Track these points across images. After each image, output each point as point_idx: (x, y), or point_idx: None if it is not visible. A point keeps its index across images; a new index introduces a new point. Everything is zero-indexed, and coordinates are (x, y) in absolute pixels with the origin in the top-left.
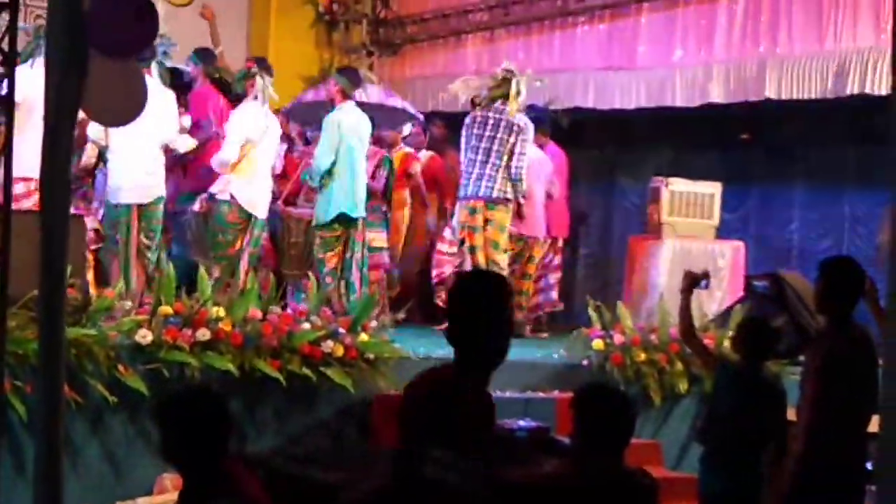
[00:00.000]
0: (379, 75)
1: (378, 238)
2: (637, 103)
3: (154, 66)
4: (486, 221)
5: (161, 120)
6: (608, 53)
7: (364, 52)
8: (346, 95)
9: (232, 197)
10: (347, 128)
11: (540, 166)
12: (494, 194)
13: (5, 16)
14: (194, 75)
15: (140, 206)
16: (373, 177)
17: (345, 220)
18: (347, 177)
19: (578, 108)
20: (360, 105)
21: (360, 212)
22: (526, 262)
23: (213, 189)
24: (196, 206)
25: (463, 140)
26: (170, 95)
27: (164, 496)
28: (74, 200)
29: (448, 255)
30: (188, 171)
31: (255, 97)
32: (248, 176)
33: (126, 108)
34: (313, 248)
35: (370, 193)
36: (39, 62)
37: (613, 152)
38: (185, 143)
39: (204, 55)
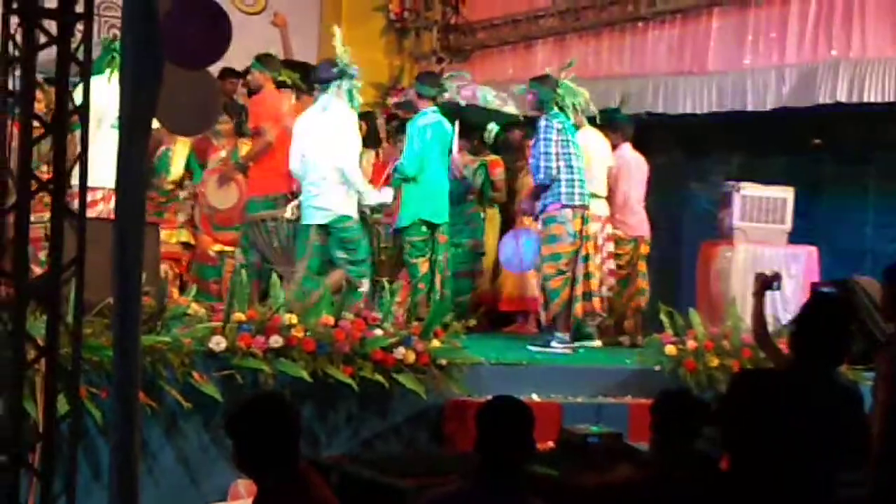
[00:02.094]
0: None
1: (474, 244)
2: (708, 108)
3: (341, 89)
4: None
5: (338, 142)
6: (679, 58)
7: (434, 58)
8: (428, 101)
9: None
10: (432, 133)
11: (638, 167)
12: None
13: (79, 26)
14: (260, 82)
15: (326, 225)
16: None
17: (430, 225)
18: (431, 182)
19: (649, 114)
20: (455, 106)
21: (443, 217)
22: (638, 262)
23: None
24: (288, 214)
25: (544, 145)
26: (350, 118)
27: (237, 502)
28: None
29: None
30: (251, 177)
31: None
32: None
33: (199, 117)
34: (404, 254)
35: (465, 198)
36: (110, 73)
37: (684, 157)
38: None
39: (266, 60)
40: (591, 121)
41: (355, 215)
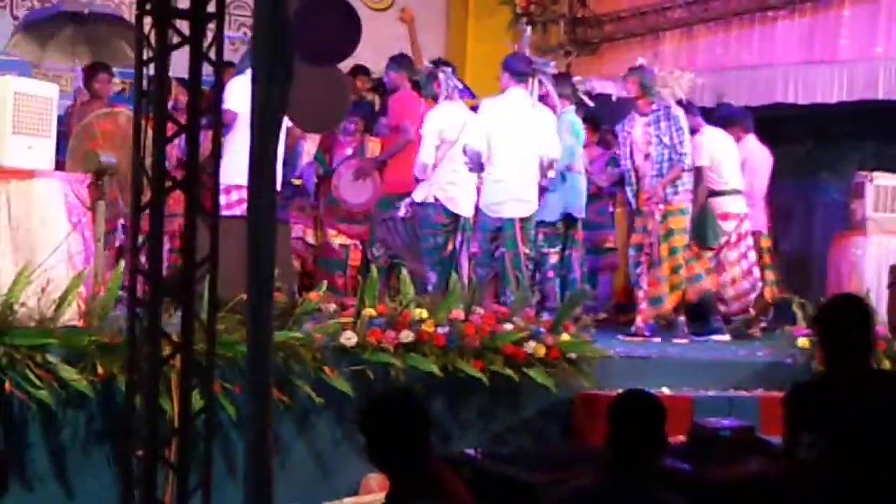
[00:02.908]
0: (576, 74)
1: (609, 239)
2: (839, 97)
3: (537, 82)
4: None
5: (540, 135)
6: (809, 47)
7: (561, 51)
8: (566, 98)
9: (435, 199)
10: (576, 128)
11: (764, 160)
12: None
13: (211, 26)
14: (397, 82)
15: (522, 219)
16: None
17: (569, 219)
18: (575, 177)
19: (779, 104)
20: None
21: (581, 212)
22: (763, 255)
23: (415, 195)
24: (402, 213)
25: (684, 131)
26: (548, 112)
27: (370, 496)
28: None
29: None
30: (385, 175)
31: (447, 96)
32: (449, 176)
33: (330, 114)
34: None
35: (597, 194)
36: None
37: (814, 147)
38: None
39: (402, 60)
40: (707, 118)
41: None
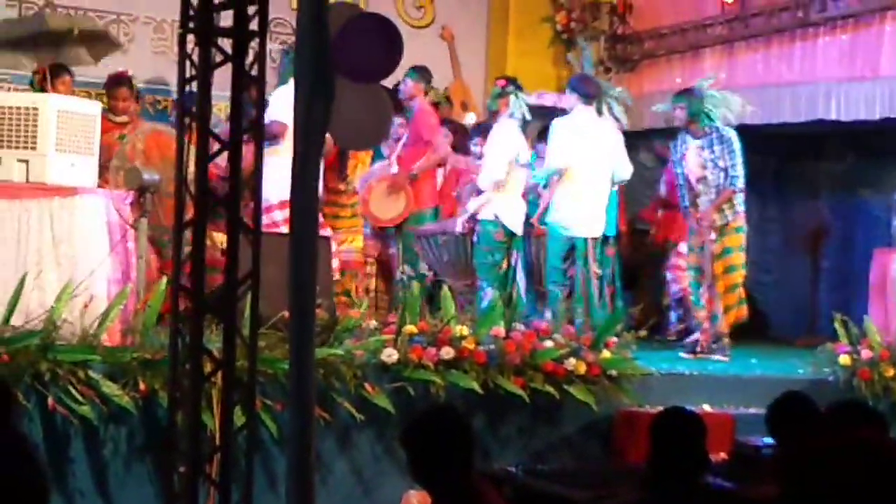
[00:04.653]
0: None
1: None
2: (881, 113)
3: (608, 104)
4: None
5: (612, 155)
6: (850, 63)
7: (602, 68)
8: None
9: (496, 216)
10: None
11: None
12: None
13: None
14: (413, 92)
15: (593, 238)
16: None
17: (604, 237)
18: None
19: (820, 121)
20: None
21: (613, 229)
22: None
23: (473, 210)
24: (459, 228)
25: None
26: (618, 133)
27: None
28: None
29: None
30: (417, 189)
31: (511, 115)
32: (510, 194)
33: (371, 131)
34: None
35: None
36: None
37: (855, 164)
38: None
39: (422, 71)
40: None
41: None
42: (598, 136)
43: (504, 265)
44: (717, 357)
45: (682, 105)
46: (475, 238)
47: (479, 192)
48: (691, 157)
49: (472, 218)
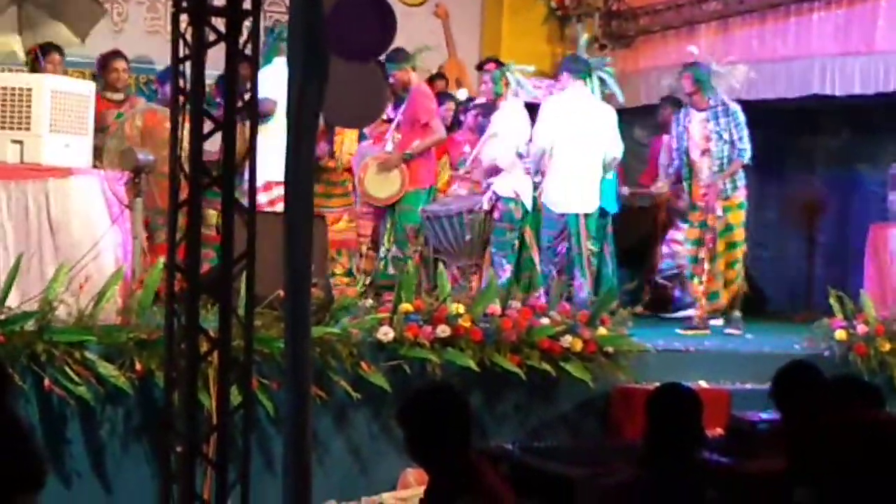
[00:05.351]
0: (612, 67)
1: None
2: (875, 88)
3: (593, 80)
4: None
5: (604, 132)
6: (846, 38)
7: (597, 45)
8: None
9: (517, 194)
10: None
11: None
12: None
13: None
14: (404, 79)
15: (585, 214)
16: None
17: (602, 213)
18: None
19: (815, 96)
20: None
21: (615, 207)
22: None
23: (496, 188)
24: (485, 206)
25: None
26: (611, 110)
27: (408, 491)
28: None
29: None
30: (413, 169)
31: (516, 94)
32: (522, 171)
33: (365, 111)
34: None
35: None
36: (278, 61)
37: (851, 139)
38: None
39: (398, 56)
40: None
41: None
42: (588, 111)
43: (517, 243)
44: (729, 331)
45: (688, 74)
46: (497, 215)
47: (498, 171)
48: (695, 128)
49: (497, 197)
